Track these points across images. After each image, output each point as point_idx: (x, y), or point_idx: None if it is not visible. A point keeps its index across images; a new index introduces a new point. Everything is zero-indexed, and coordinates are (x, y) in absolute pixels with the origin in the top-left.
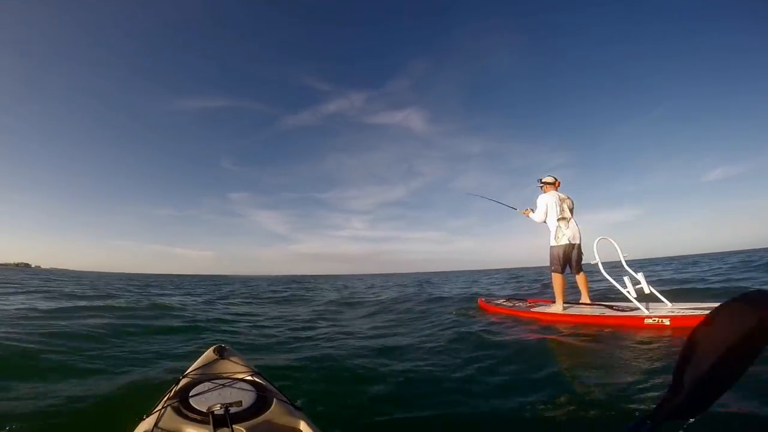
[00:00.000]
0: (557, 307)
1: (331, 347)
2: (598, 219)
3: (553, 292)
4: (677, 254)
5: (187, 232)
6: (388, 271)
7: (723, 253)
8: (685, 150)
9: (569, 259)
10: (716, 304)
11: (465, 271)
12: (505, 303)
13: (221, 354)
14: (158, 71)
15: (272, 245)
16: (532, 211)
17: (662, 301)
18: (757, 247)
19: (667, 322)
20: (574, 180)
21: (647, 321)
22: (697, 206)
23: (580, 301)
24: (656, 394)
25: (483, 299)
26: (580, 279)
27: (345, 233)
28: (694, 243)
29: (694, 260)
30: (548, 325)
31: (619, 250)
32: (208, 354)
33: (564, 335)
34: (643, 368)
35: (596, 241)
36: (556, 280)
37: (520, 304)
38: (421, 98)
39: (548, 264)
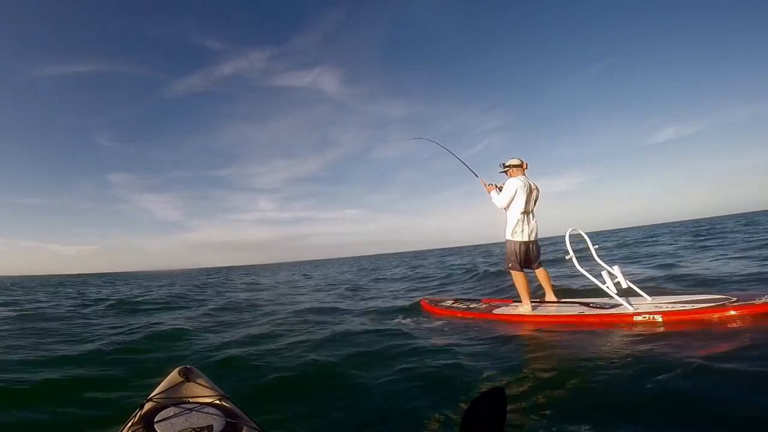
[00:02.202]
0: (525, 308)
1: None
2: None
3: (517, 291)
4: (627, 226)
5: (61, 224)
6: (305, 257)
7: (675, 223)
8: (631, 109)
9: (526, 256)
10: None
11: (394, 254)
12: (456, 305)
13: (187, 376)
14: (11, 30)
15: (164, 235)
16: (497, 190)
17: (641, 296)
18: (711, 215)
19: (659, 318)
20: (509, 145)
21: (637, 318)
22: (647, 171)
23: (546, 300)
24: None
25: (427, 301)
26: (541, 275)
27: (251, 216)
28: (644, 213)
29: (648, 232)
30: (520, 327)
31: (589, 243)
32: (173, 376)
33: (549, 338)
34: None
35: (567, 233)
36: (518, 277)
37: (476, 305)
38: (334, 55)
39: (504, 259)
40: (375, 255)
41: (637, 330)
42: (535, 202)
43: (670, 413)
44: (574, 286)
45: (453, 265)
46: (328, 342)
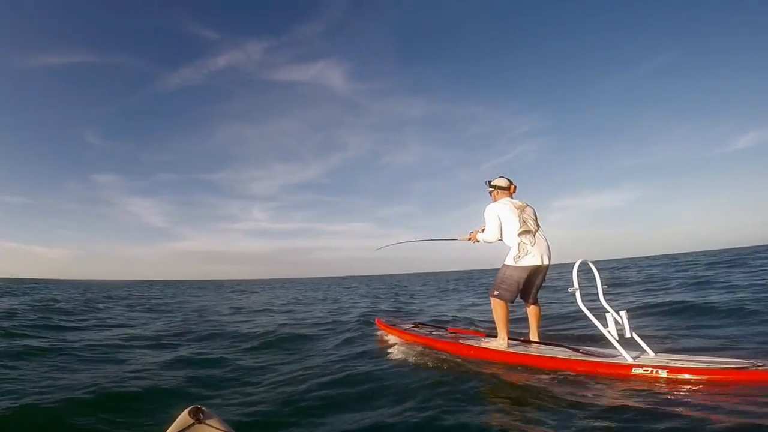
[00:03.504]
0: (500, 343)
1: None
2: (582, 204)
3: (495, 323)
4: (690, 250)
5: (46, 226)
6: (303, 274)
7: (761, 247)
8: (699, 112)
9: (527, 285)
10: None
11: (403, 275)
12: (415, 329)
13: (198, 417)
14: None
15: (149, 242)
16: (480, 231)
17: (644, 350)
18: None
19: (663, 373)
20: (547, 152)
21: (636, 371)
22: (717, 186)
23: (529, 339)
24: None
25: (383, 321)
26: (533, 312)
27: (243, 226)
28: (719, 233)
29: (725, 257)
30: (490, 365)
31: (598, 280)
32: (183, 418)
33: (526, 381)
34: None
35: (576, 264)
36: (500, 307)
37: (440, 333)
38: (341, 47)
39: (495, 280)
40: (385, 275)
41: (634, 385)
42: (536, 221)
43: None
44: (559, 329)
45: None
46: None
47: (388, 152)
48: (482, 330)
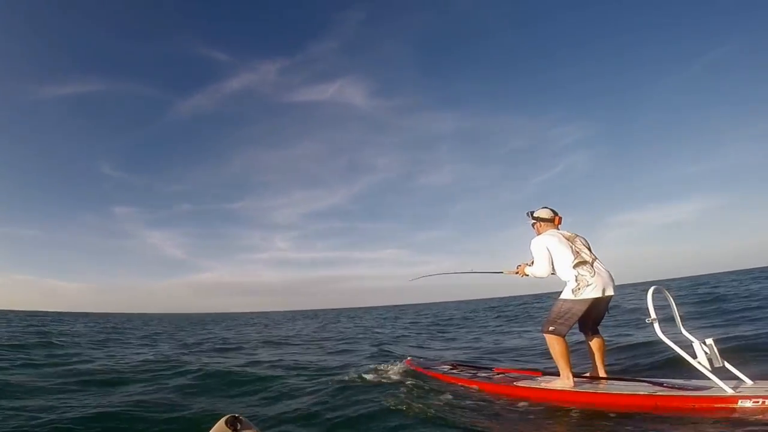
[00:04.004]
0: (565, 383)
1: None
2: (643, 219)
3: (554, 360)
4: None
5: (61, 259)
6: (332, 305)
7: None
8: None
9: (586, 317)
10: None
11: (452, 302)
12: (455, 372)
13: (235, 426)
14: (7, 48)
15: (170, 275)
16: (529, 264)
17: (739, 379)
18: None
19: None
20: (598, 164)
21: (743, 403)
22: None
23: (594, 374)
24: None
25: (416, 363)
26: (596, 344)
27: (265, 256)
28: None
29: None
30: (558, 408)
31: (674, 307)
32: (220, 426)
33: (610, 426)
34: None
35: (650, 291)
36: (558, 344)
37: (487, 374)
38: (359, 63)
39: (549, 315)
40: (426, 303)
41: (743, 418)
42: (591, 250)
43: None
44: (623, 361)
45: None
46: None
47: (419, 173)
48: (537, 369)
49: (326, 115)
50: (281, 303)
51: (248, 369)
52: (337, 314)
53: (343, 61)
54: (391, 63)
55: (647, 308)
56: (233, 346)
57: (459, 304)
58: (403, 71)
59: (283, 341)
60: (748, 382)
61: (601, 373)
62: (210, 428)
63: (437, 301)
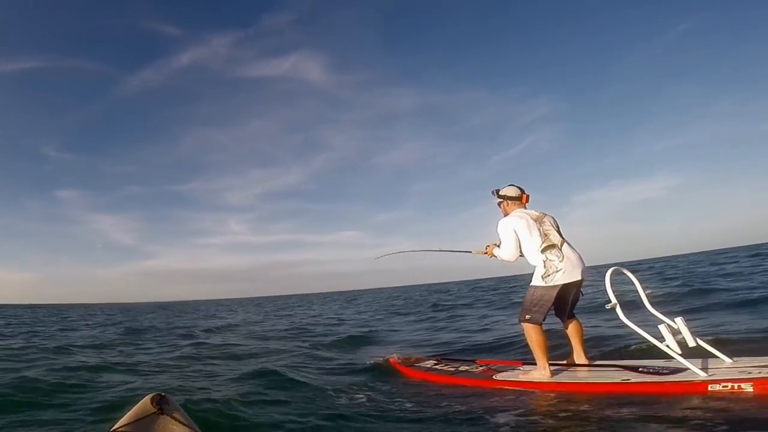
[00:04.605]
0: (541, 373)
1: None
2: (610, 197)
3: (531, 349)
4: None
5: (5, 248)
6: (289, 291)
7: None
8: (744, 80)
9: (561, 303)
10: None
11: (411, 286)
12: (439, 367)
13: (161, 407)
14: None
15: (119, 262)
16: (497, 245)
17: (717, 357)
18: None
19: (748, 387)
20: (564, 140)
21: (713, 387)
22: None
23: (574, 361)
24: None
25: (398, 361)
26: (573, 329)
27: (219, 240)
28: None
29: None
30: (534, 399)
31: (638, 286)
32: (145, 404)
33: (582, 415)
34: None
35: (608, 274)
36: (534, 333)
37: (469, 368)
38: (316, 36)
39: (523, 303)
40: (385, 288)
41: (713, 405)
42: (560, 232)
43: None
44: (607, 346)
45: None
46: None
47: (379, 150)
48: (518, 358)
49: (281, 91)
50: (239, 290)
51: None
52: (299, 300)
53: (300, 34)
54: (349, 36)
55: (607, 292)
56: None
57: (429, 287)
58: (362, 45)
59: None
60: (726, 360)
61: (581, 359)
62: (132, 407)
63: (405, 284)
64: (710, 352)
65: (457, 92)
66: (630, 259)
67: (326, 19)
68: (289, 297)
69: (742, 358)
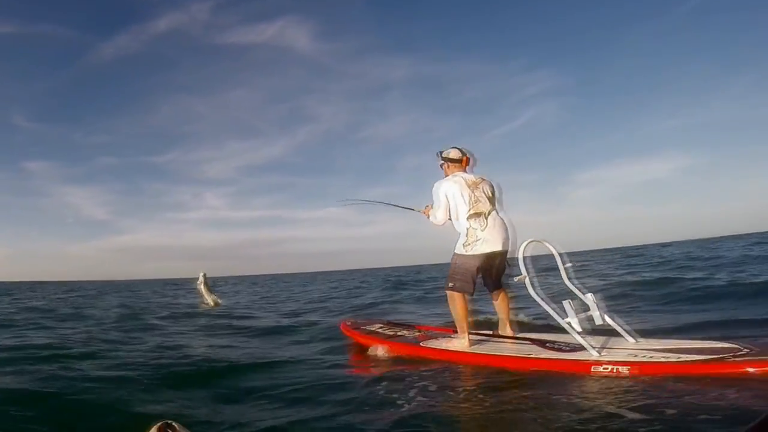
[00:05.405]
0: (461, 342)
1: None
2: (616, 176)
3: (453, 318)
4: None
5: None
6: (272, 270)
7: None
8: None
9: (485, 273)
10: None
11: (395, 267)
12: (382, 330)
13: None
14: None
15: (92, 237)
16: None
17: (622, 337)
18: None
19: (625, 370)
20: (568, 115)
21: (595, 368)
22: None
23: (498, 332)
24: None
25: (348, 323)
26: (500, 300)
27: (196, 215)
28: None
29: None
30: (448, 367)
31: (558, 259)
32: None
33: (478, 383)
34: None
35: (523, 245)
36: (457, 301)
37: (406, 333)
38: (303, 0)
39: (447, 276)
40: (375, 268)
41: (593, 385)
42: (492, 200)
43: None
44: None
45: None
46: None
47: (368, 123)
48: (452, 326)
49: (265, 59)
50: (218, 268)
51: None
52: (276, 281)
53: None
54: (339, 1)
55: (519, 264)
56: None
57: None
58: (352, 10)
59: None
60: (630, 340)
61: (507, 331)
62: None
63: (398, 264)
64: (618, 331)
65: (453, 62)
66: (634, 244)
67: None
68: (275, 275)
69: (649, 339)
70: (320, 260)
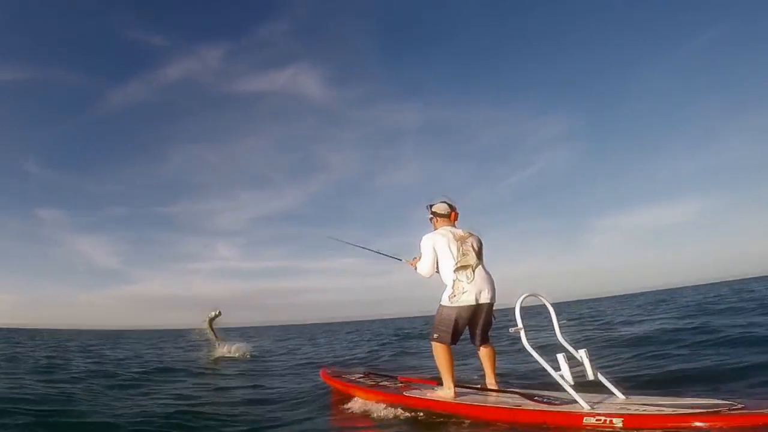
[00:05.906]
0: (446, 393)
1: None
2: (629, 222)
3: (437, 367)
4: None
5: None
6: (285, 320)
7: None
8: None
9: (471, 325)
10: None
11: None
12: (362, 380)
13: None
14: None
15: (102, 285)
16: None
17: (612, 393)
18: None
19: (618, 422)
20: (582, 160)
21: (588, 420)
22: None
23: (482, 386)
24: None
25: (328, 372)
26: (485, 354)
27: (208, 266)
28: None
29: None
30: (432, 418)
31: (553, 314)
32: None
33: None
34: None
35: (520, 299)
36: (441, 352)
37: (387, 383)
38: (314, 48)
39: (432, 327)
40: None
41: None
42: (479, 253)
43: None
44: (527, 376)
45: None
46: None
47: (381, 171)
48: (436, 378)
49: (276, 107)
50: (226, 319)
51: None
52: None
53: (296, 46)
54: (350, 48)
55: (515, 317)
56: None
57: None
58: (363, 57)
59: None
60: (620, 397)
61: (491, 383)
62: None
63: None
64: (608, 387)
65: (465, 108)
66: (664, 287)
67: (325, 30)
68: (287, 327)
69: (638, 396)
70: (337, 310)
